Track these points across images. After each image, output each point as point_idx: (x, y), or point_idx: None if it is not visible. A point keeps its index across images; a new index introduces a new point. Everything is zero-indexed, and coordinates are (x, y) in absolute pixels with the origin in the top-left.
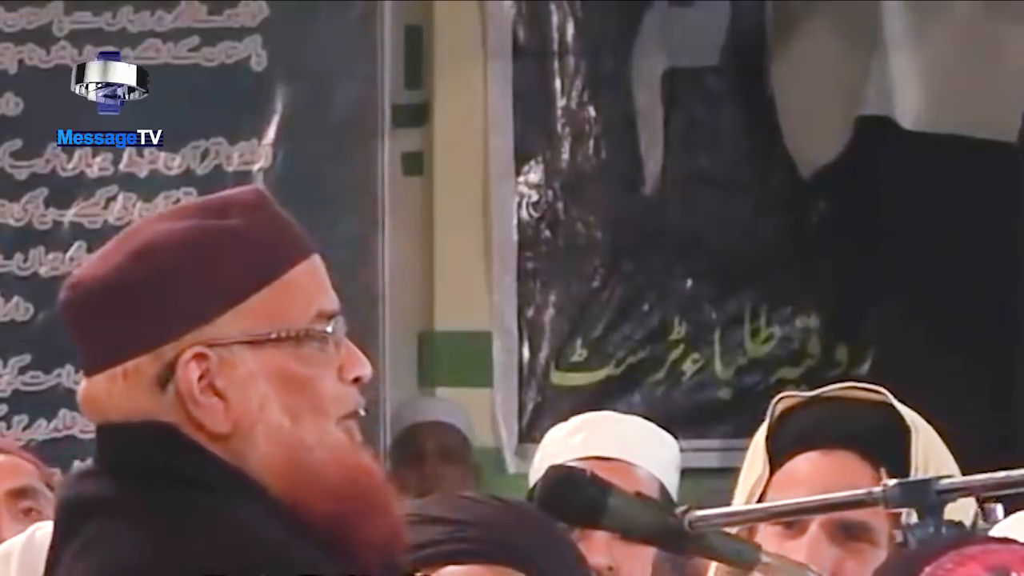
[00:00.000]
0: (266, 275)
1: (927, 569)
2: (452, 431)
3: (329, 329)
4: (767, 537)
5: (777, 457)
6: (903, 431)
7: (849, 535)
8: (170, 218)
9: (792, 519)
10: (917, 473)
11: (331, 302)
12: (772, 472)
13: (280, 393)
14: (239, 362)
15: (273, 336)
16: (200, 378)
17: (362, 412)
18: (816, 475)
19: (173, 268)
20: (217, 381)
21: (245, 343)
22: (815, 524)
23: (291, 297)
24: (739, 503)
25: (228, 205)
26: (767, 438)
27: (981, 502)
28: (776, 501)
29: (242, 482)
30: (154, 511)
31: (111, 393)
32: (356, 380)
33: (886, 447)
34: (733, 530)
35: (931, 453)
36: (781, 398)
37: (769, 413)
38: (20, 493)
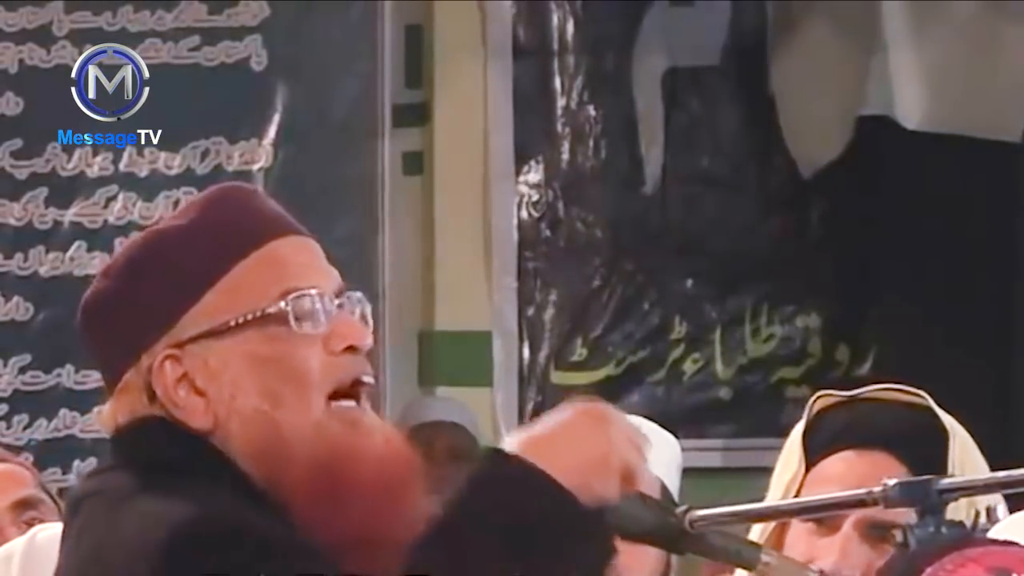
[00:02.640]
0: (219, 266)
1: (928, 571)
2: (461, 431)
3: (285, 305)
4: (799, 535)
5: (813, 455)
6: (941, 434)
7: (881, 535)
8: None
9: (793, 519)
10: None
11: (303, 279)
12: (808, 470)
13: (254, 378)
14: (208, 356)
15: (231, 323)
16: (180, 380)
17: (367, 379)
18: (851, 475)
19: (131, 279)
20: (197, 379)
21: (209, 336)
22: (848, 523)
23: (250, 281)
24: (773, 500)
25: (191, 204)
26: (804, 436)
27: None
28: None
29: (222, 470)
30: (137, 498)
31: (114, 411)
32: (350, 349)
33: (922, 450)
34: (765, 529)
35: (967, 458)
36: (819, 396)
37: (806, 411)
38: (24, 504)
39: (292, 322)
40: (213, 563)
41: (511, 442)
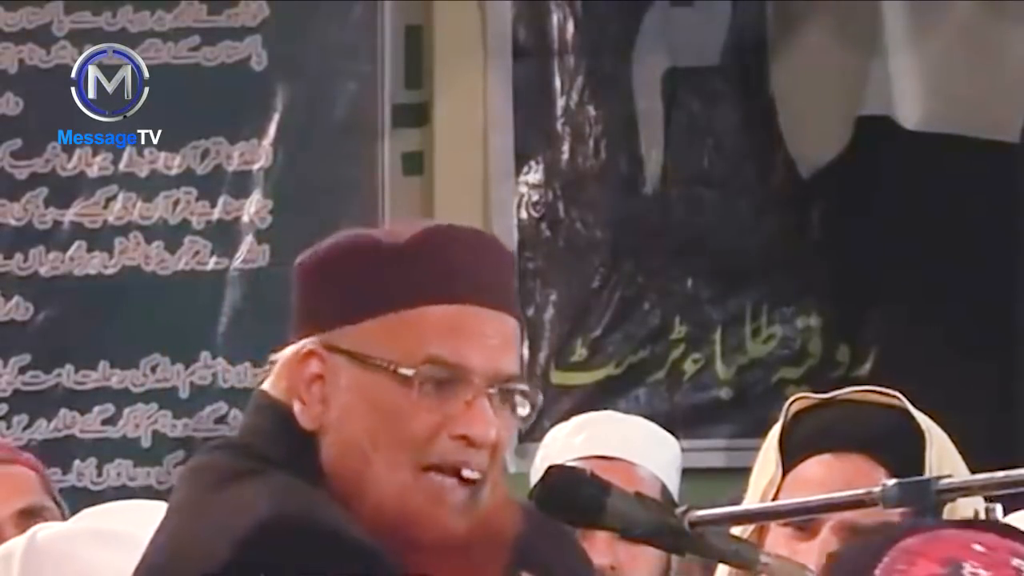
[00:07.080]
0: (394, 303)
1: (877, 571)
2: None
3: (416, 370)
4: (778, 539)
5: (790, 459)
6: (917, 436)
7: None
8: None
9: (797, 520)
10: None
11: (455, 353)
12: (785, 473)
13: (366, 418)
14: (343, 373)
15: (372, 360)
16: (315, 379)
17: (470, 474)
18: (829, 478)
19: (330, 267)
20: (326, 387)
21: (351, 357)
22: (826, 527)
23: (407, 332)
24: (750, 503)
25: (424, 229)
26: (780, 439)
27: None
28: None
29: (319, 473)
30: (232, 485)
31: (274, 372)
32: (463, 438)
33: (900, 451)
34: (744, 531)
35: (944, 458)
36: (795, 399)
37: (783, 414)
38: (28, 513)
39: (415, 388)
40: (287, 561)
41: None
